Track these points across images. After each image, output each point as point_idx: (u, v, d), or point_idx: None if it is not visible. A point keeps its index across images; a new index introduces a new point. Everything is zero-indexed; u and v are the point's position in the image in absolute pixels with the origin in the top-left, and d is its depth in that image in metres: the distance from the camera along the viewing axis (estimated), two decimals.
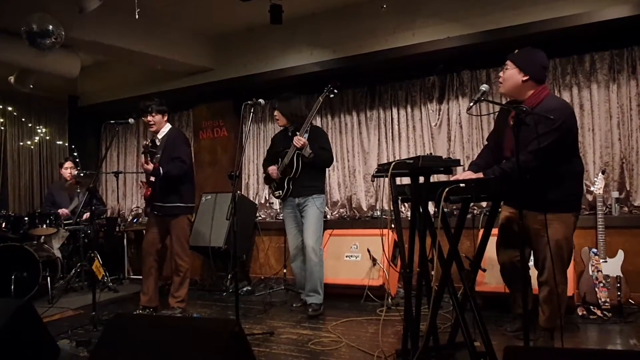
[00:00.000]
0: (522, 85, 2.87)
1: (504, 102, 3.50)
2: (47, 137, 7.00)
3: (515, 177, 2.52)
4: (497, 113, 3.29)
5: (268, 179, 4.44)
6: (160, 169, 4.02)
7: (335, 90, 4.05)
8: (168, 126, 4.29)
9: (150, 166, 4.00)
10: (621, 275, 3.80)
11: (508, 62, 2.93)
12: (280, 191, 4.27)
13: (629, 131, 4.36)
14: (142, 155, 4.12)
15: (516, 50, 2.95)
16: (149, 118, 4.16)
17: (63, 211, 5.62)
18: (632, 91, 4.34)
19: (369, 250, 4.66)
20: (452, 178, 2.84)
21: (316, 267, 4.11)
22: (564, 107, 2.90)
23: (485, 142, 3.32)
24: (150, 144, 4.20)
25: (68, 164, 5.83)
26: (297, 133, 4.10)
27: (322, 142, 4.20)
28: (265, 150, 6.11)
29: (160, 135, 4.23)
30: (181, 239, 4.20)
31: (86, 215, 5.48)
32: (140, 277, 6.06)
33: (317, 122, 5.85)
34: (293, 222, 4.30)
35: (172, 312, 4.17)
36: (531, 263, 3.17)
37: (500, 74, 2.97)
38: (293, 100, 4.28)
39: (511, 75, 2.89)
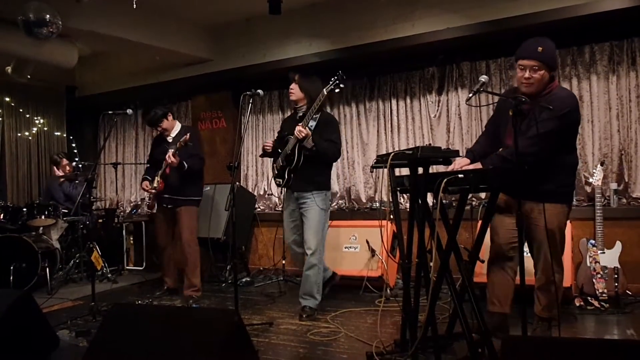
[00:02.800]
0: (547, 81, 2.80)
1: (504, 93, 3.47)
2: (45, 128, 6.97)
3: (514, 164, 2.52)
4: (497, 102, 3.25)
5: (267, 154, 4.12)
6: (185, 163, 4.23)
7: (342, 85, 3.57)
8: (178, 125, 4.52)
9: (178, 159, 4.17)
10: (619, 266, 3.81)
11: (537, 63, 2.72)
12: (280, 180, 3.98)
13: (628, 123, 4.36)
14: (172, 150, 4.20)
15: (540, 48, 2.73)
16: (159, 128, 4.41)
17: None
18: (631, 83, 4.33)
19: (367, 242, 4.67)
20: (450, 168, 2.83)
21: (313, 271, 3.82)
22: (571, 97, 2.89)
23: (484, 129, 3.27)
24: (182, 143, 4.18)
25: (64, 162, 5.86)
26: (303, 121, 3.74)
27: (329, 134, 3.81)
28: (264, 141, 6.10)
29: (173, 133, 4.44)
30: (191, 228, 4.43)
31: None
32: (139, 269, 6.15)
33: None
34: (289, 217, 4.01)
35: (188, 302, 4.33)
36: (526, 255, 3.17)
37: (527, 74, 2.74)
38: (316, 81, 3.86)
39: (543, 75, 2.75)
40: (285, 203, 4.09)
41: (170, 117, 4.46)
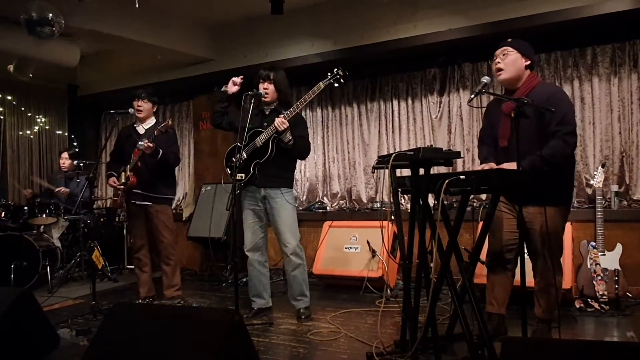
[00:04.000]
0: (523, 70, 2.88)
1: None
2: (47, 127, 6.98)
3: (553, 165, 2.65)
4: (484, 109, 3.25)
5: (220, 125, 3.88)
6: (160, 149, 4.02)
7: (342, 80, 3.42)
8: (153, 119, 4.29)
9: (154, 144, 3.94)
10: (619, 268, 3.81)
11: (508, 48, 2.88)
12: (244, 175, 3.68)
13: (629, 125, 4.36)
14: (147, 140, 3.97)
15: (509, 39, 2.92)
16: (139, 103, 4.19)
17: (61, 190, 5.61)
18: (633, 85, 4.33)
19: (368, 242, 4.67)
20: (484, 168, 2.77)
21: (299, 270, 3.72)
22: (564, 92, 2.97)
23: (480, 141, 3.21)
24: (163, 129, 4.01)
25: (64, 155, 5.88)
26: (283, 113, 3.53)
27: (302, 130, 3.71)
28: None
29: (146, 126, 4.22)
30: (169, 228, 4.24)
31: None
32: None
33: (317, 113, 5.85)
34: (254, 217, 3.80)
35: (173, 302, 4.19)
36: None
37: (498, 61, 2.89)
38: (284, 75, 3.75)
39: (514, 60, 2.85)
40: (247, 202, 3.81)
41: (155, 107, 4.27)
